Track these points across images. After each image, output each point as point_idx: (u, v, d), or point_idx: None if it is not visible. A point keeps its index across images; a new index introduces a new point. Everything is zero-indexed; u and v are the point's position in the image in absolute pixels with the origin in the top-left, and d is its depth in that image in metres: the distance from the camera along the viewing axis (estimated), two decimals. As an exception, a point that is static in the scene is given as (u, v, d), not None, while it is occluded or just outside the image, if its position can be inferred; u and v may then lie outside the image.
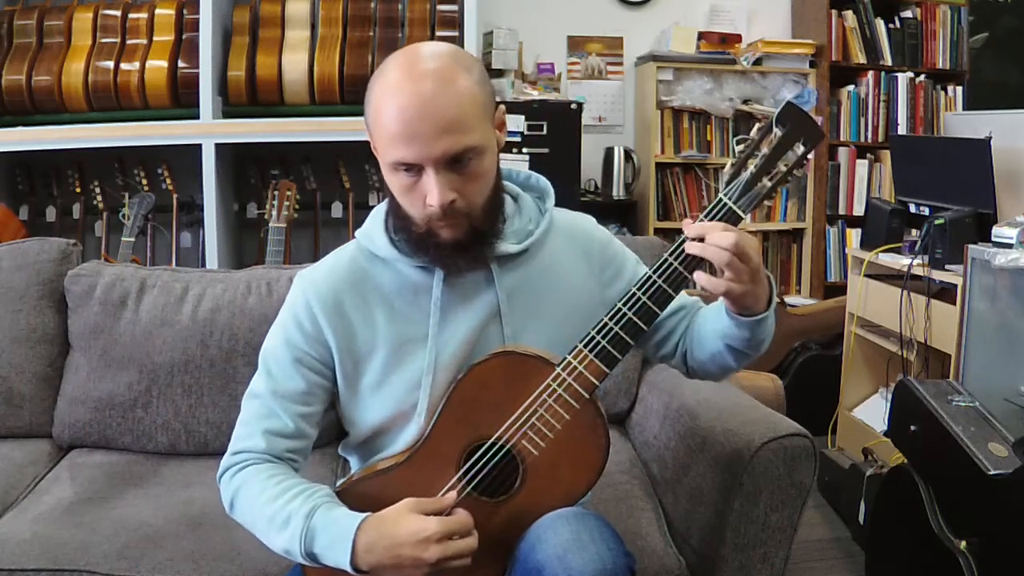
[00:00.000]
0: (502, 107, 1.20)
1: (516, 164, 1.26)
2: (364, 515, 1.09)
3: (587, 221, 1.35)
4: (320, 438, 1.30)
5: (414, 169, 1.09)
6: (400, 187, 1.13)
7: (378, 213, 1.26)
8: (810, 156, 1.12)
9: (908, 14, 3.81)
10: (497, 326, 1.21)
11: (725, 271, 1.08)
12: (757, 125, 1.12)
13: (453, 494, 1.12)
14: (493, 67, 3.50)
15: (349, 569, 1.07)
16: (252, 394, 1.24)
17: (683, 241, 1.10)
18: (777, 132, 1.10)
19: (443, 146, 1.07)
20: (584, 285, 1.28)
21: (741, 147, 1.12)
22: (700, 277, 1.09)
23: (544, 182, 1.32)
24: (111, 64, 3.14)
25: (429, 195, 1.09)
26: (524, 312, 1.23)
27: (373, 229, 1.24)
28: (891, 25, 3.79)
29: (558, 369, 1.12)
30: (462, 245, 1.15)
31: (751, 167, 1.10)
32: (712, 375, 1.33)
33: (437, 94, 1.06)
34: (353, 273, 1.24)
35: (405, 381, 1.21)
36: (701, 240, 1.08)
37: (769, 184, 1.10)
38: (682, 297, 1.34)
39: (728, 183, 1.11)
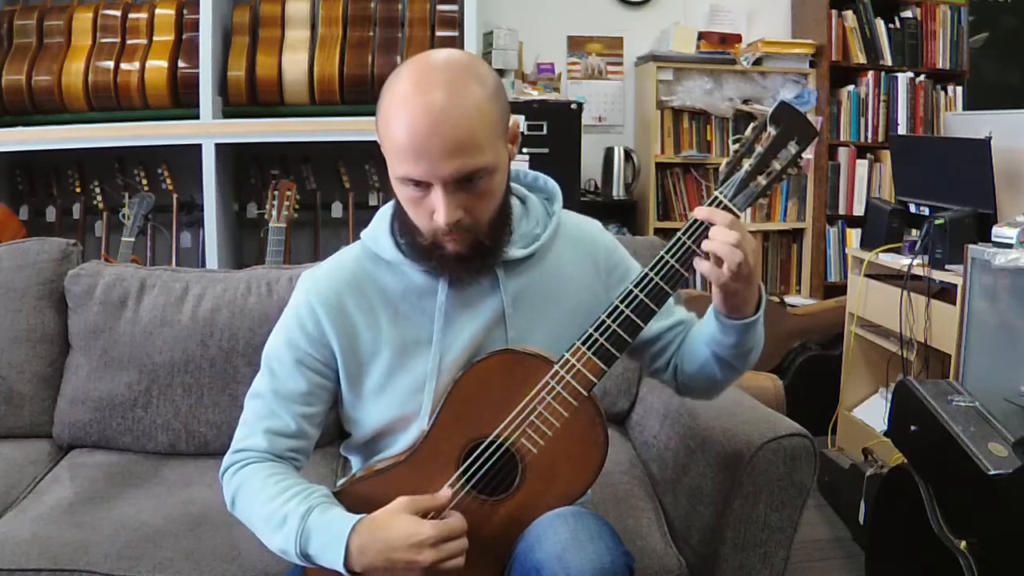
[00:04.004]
0: (516, 119, 1.18)
1: (516, 164, 1.25)
2: (358, 517, 1.09)
3: (593, 225, 1.35)
4: (321, 438, 1.30)
5: (422, 185, 1.08)
6: (407, 199, 1.12)
7: (384, 215, 1.25)
8: (808, 155, 1.12)
9: (908, 14, 3.81)
10: (501, 330, 1.21)
11: (726, 266, 1.08)
12: (752, 124, 1.12)
13: (449, 491, 1.12)
14: (493, 67, 3.49)
15: (343, 571, 1.07)
16: (254, 393, 1.24)
17: (679, 240, 1.11)
18: (771, 130, 1.10)
19: (453, 167, 1.05)
20: (589, 289, 1.28)
21: (736, 146, 1.12)
22: (701, 265, 1.10)
23: (552, 184, 1.32)
24: (111, 64, 3.14)
25: (436, 213, 1.08)
26: (529, 316, 1.23)
27: (379, 231, 1.24)
28: (891, 25, 3.78)
29: (557, 367, 1.12)
30: (466, 258, 1.15)
31: (746, 165, 1.11)
32: (700, 389, 1.32)
33: (447, 110, 1.04)
34: (357, 274, 1.23)
35: (408, 384, 1.21)
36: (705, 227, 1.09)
37: (764, 182, 1.11)
38: (680, 312, 1.34)
39: (723, 181, 1.12)
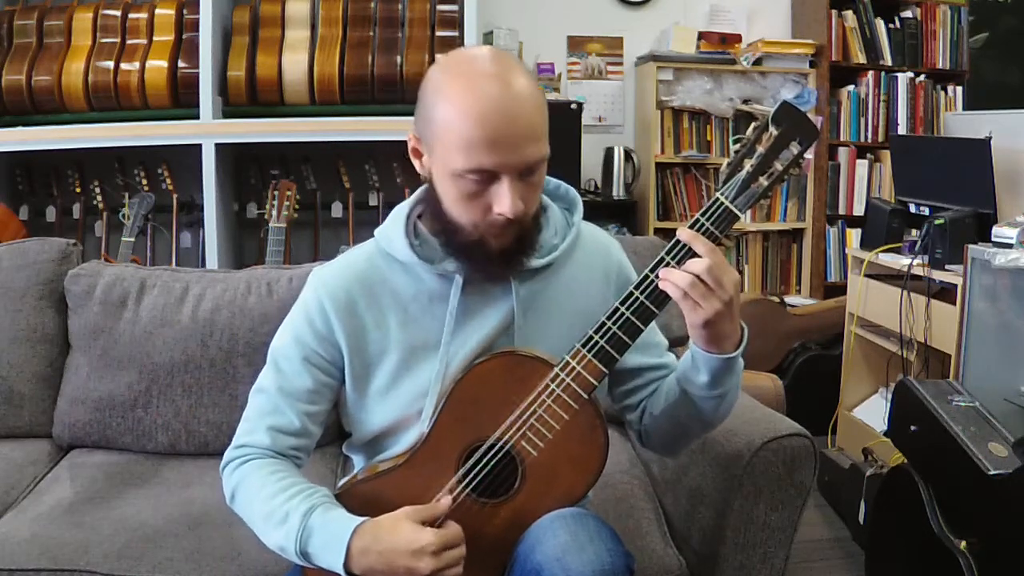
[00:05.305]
0: None
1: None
2: (361, 519, 1.08)
3: (610, 240, 1.34)
4: (321, 437, 1.30)
5: (485, 177, 1.07)
6: (460, 194, 1.10)
7: (399, 214, 1.23)
8: (809, 155, 1.11)
9: (908, 14, 3.81)
10: (508, 338, 1.21)
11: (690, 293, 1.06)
12: (753, 124, 1.12)
13: (448, 499, 1.12)
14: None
15: (342, 572, 1.07)
16: (259, 389, 1.23)
17: (678, 240, 1.10)
18: (773, 131, 1.10)
19: (527, 155, 1.06)
20: (600, 303, 1.26)
21: (737, 146, 1.12)
22: (671, 289, 1.07)
23: (573, 193, 1.30)
24: (111, 64, 3.14)
25: (499, 203, 1.07)
26: (537, 325, 1.22)
27: (393, 231, 1.22)
28: (891, 25, 3.78)
29: (556, 369, 1.12)
30: (509, 253, 1.14)
31: (747, 166, 1.10)
32: (661, 435, 1.29)
33: (518, 99, 1.06)
34: (368, 273, 1.22)
35: (413, 388, 1.21)
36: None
37: (766, 183, 1.10)
38: (669, 357, 1.33)
39: (725, 182, 1.11)
